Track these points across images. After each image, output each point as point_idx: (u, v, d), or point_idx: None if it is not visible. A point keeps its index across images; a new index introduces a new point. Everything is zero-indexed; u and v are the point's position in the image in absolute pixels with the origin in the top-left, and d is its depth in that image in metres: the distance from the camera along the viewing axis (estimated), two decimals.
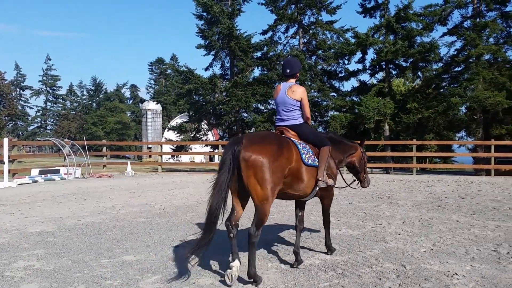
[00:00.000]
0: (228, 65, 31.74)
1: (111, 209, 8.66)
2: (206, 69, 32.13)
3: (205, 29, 29.88)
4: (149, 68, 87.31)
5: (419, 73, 31.28)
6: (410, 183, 14.54)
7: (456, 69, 29.93)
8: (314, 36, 31.52)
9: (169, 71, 76.18)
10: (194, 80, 29.38)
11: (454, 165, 40.68)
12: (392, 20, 29.34)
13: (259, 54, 31.87)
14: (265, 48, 31.27)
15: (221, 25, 28.70)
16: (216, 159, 49.66)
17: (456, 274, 4.28)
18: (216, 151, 30.33)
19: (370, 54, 54.03)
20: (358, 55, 31.39)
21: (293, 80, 4.94)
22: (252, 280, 4.00)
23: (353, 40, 30.28)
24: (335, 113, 31.21)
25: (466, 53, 28.16)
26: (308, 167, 4.49)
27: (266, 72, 30.46)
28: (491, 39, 28.22)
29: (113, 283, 4.02)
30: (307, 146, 4.64)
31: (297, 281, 4.09)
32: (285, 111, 4.82)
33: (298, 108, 4.84)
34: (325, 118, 32.58)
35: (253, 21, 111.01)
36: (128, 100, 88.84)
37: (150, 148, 46.59)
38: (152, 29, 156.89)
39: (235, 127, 31.59)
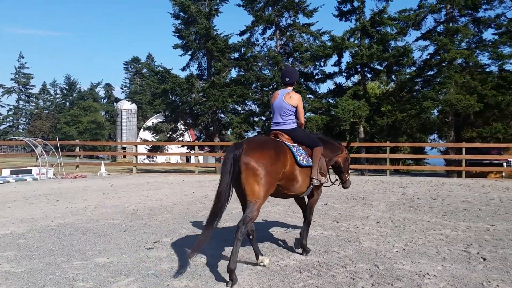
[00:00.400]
0: (205, 65, 31.63)
1: (84, 210, 8.51)
2: (183, 69, 31.94)
3: (182, 29, 29.70)
4: (125, 67, 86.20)
5: (393, 76, 31.84)
6: (384, 184, 14.78)
7: (429, 73, 30.62)
8: (291, 38, 31.72)
9: (145, 70, 75.34)
10: (170, 80, 29.17)
11: (426, 167, 41.58)
12: (367, 24, 29.82)
13: (236, 55, 31.88)
14: (242, 49, 31.31)
15: (198, 25, 28.58)
16: (193, 159, 49.40)
17: (428, 274, 4.38)
18: (193, 151, 30.18)
19: (346, 57, 54.82)
20: (334, 58, 31.79)
21: (290, 88, 5.23)
22: (229, 275, 4.05)
23: (329, 43, 30.62)
24: (312, 114, 31.48)
25: (439, 57, 28.84)
26: (302, 168, 4.80)
27: (243, 73, 30.51)
28: (463, 44, 28.98)
29: (86, 286, 3.96)
30: (301, 148, 4.94)
31: (272, 282, 4.11)
32: (282, 115, 5.13)
33: (293, 113, 5.14)
34: None
35: (231, 22, 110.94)
36: (103, 100, 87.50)
37: (124, 148, 45.95)
38: (127, 28, 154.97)
39: (212, 128, 31.49)
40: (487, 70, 29.73)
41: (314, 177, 4.91)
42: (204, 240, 4.23)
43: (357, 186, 14.12)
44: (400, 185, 14.66)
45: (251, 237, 4.65)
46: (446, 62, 28.30)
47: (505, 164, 35.73)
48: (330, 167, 5.86)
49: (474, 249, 5.39)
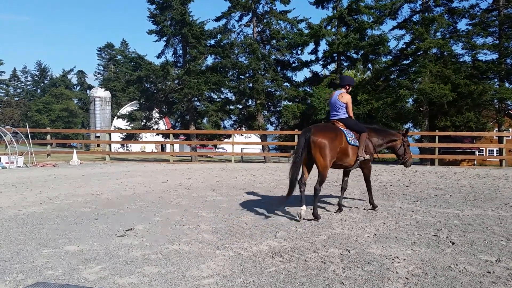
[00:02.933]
0: (180, 52, 31.22)
1: (55, 199, 8.32)
2: (158, 56, 31.49)
3: (157, 14, 29.18)
4: (98, 54, 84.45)
5: (369, 65, 32.08)
6: (358, 172, 14.92)
7: (405, 62, 30.98)
8: (268, 26, 31.53)
9: (119, 57, 73.85)
10: (145, 67, 28.71)
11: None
12: (344, 12, 29.87)
13: (212, 42, 31.54)
14: (218, 36, 31.00)
15: (174, 10, 28.15)
16: (168, 148, 48.97)
17: (397, 257, 4.44)
18: (168, 140, 29.87)
19: (323, 46, 54.88)
20: (311, 46, 31.78)
21: (343, 90, 7.12)
22: (314, 217, 6.36)
23: (306, 31, 30.56)
24: (288, 103, 31.53)
25: (414, 47, 29.18)
26: (351, 146, 6.72)
27: (219, 60, 30.21)
28: (438, 34, 29.39)
29: (55, 273, 3.87)
30: (351, 132, 6.87)
31: (244, 267, 4.10)
32: (336, 109, 7.08)
33: (344, 108, 7.00)
34: (278, 108, 32.82)
35: (207, 8, 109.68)
36: (75, 87, 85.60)
37: (98, 136, 45.14)
38: (101, 13, 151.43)
39: (188, 116, 31.20)
40: (461, 60, 30.28)
41: (359, 154, 6.82)
42: (287, 197, 6.47)
43: (332, 174, 14.24)
44: (374, 173, 14.86)
45: (302, 189, 6.47)
46: (421, 52, 28.67)
47: (477, 153, 36.62)
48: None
49: (444, 234, 5.50)
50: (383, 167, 17.59)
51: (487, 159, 37.39)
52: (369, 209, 7.35)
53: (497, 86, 28.19)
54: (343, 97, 7.01)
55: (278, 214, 6.84)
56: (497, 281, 3.71)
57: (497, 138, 32.98)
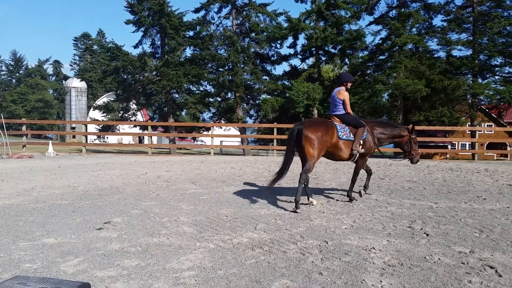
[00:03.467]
0: (158, 43, 30.88)
1: (31, 191, 8.18)
2: (136, 46, 31.05)
3: (134, 3, 28.76)
4: (74, 44, 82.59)
5: (346, 60, 32.41)
6: (335, 165, 15.14)
7: (381, 57, 31.43)
8: (247, 18, 31.47)
9: (95, 47, 72.70)
10: (122, 58, 28.31)
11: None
12: (322, 6, 30.03)
13: (191, 33, 31.33)
14: (197, 28, 30.80)
15: (152, 0, 27.76)
16: (146, 140, 48.42)
17: (374, 248, 4.55)
18: (146, 132, 29.57)
19: (301, 40, 54.93)
20: (290, 39, 31.90)
21: (342, 87, 7.44)
22: (295, 204, 6.58)
23: (285, 25, 30.65)
24: (267, 96, 31.60)
25: (390, 42, 29.61)
26: (344, 141, 7.07)
27: (198, 52, 30.01)
28: (414, 29, 29.89)
29: (32, 266, 3.83)
30: (346, 127, 7.17)
31: (225, 259, 4.14)
32: (334, 105, 7.44)
33: (341, 104, 7.36)
34: (257, 101, 32.85)
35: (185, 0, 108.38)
36: (51, 77, 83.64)
37: (74, 128, 44.32)
38: (77, 2, 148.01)
39: (166, 108, 30.94)
40: (436, 55, 30.90)
41: (354, 148, 7.12)
42: (275, 181, 6.93)
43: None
44: (351, 166, 15.05)
45: (305, 183, 6.96)
46: (397, 47, 29.13)
47: (449, 146, 37.43)
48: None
49: (418, 225, 5.64)
50: None
51: (459, 153, 38.33)
52: (346, 201, 7.48)
53: (471, 82, 28.93)
54: (340, 94, 7.36)
55: (258, 206, 6.89)
56: (471, 271, 3.84)
57: (469, 132, 33.82)
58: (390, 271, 3.87)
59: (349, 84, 7.55)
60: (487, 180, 10.64)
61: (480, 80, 29.24)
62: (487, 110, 39.15)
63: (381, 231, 5.36)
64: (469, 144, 41.16)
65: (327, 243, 4.73)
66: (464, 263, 4.07)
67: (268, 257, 4.23)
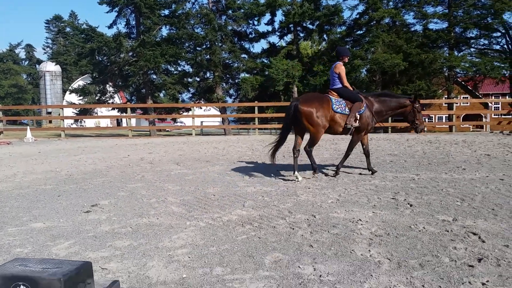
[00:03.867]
0: (133, 23, 30.25)
1: (13, 177, 8.04)
2: (110, 26, 30.37)
3: None
4: (46, 27, 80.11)
5: (324, 36, 32.37)
6: (320, 142, 15.27)
7: (359, 32, 31.47)
8: None
9: (68, 29, 70.68)
10: (97, 39, 27.69)
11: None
12: None
13: (166, 12, 30.74)
14: (173, 6, 30.22)
15: None
16: (124, 122, 47.76)
17: (360, 220, 4.66)
18: (125, 114, 29.17)
19: (279, 16, 54.53)
20: (268, 16, 31.66)
21: (339, 62, 7.51)
22: (313, 172, 7.49)
23: (262, 1, 30.29)
24: (246, 75, 31.43)
25: (367, 17, 29.64)
26: (339, 114, 7.21)
27: (175, 31, 29.52)
28: (391, 3, 29.96)
29: (23, 251, 3.80)
30: (342, 101, 7.33)
31: (216, 236, 4.19)
32: (332, 80, 7.61)
33: (338, 78, 7.50)
34: (236, 81, 32.65)
35: None
36: (24, 62, 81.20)
37: (50, 112, 43.36)
38: None
39: (144, 90, 30.51)
40: (412, 29, 31.15)
41: (347, 122, 7.22)
42: (274, 152, 7.60)
43: (292, 144, 14.48)
44: (333, 142, 15.25)
45: (295, 155, 7.35)
46: (375, 22, 29.19)
47: (427, 119, 38.02)
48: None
49: (401, 197, 5.79)
50: (339, 136, 18.01)
51: (436, 126, 39.05)
52: (332, 175, 7.59)
53: (447, 55, 29.26)
54: (337, 67, 7.48)
55: (244, 185, 6.95)
56: (455, 238, 3.98)
57: (446, 105, 34.41)
58: (378, 240, 3.98)
59: (346, 59, 7.65)
60: (465, 151, 10.91)
61: (456, 53, 29.65)
62: (463, 83, 39.83)
63: (366, 203, 5.48)
64: (446, 116, 41.90)
65: (315, 217, 4.82)
66: (448, 231, 4.21)
67: (259, 232, 4.30)
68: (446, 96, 32.15)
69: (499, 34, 30.09)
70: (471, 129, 37.63)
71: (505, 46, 30.21)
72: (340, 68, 7.47)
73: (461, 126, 36.96)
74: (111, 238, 4.18)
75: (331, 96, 7.35)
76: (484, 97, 38.44)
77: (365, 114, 7.42)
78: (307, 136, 7.52)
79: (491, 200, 5.42)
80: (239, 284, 3.09)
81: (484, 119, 41.84)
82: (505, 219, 4.56)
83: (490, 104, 40.69)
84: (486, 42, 30.61)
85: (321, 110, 7.02)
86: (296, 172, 7.22)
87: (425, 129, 8.02)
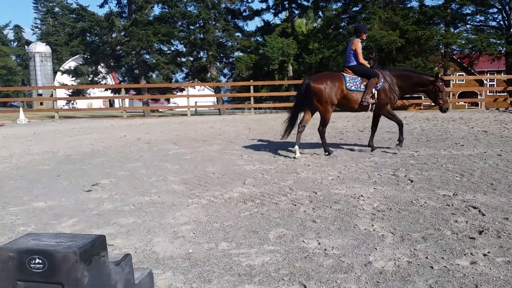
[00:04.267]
0: (125, 1, 29.74)
1: (10, 158, 8.00)
2: (101, 6, 29.84)
3: None
4: (34, 6, 78.29)
5: (320, 13, 32.01)
6: (314, 120, 15.11)
7: (355, 9, 31.11)
8: None
9: (57, 9, 69.34)
10: (88, 18, 27.25)
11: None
12: None
13: None
14: None
15: None
16: (117, 103, 47.38)
17: (362, 196, 4.70)
18: (117, 95, 28.92)
19: None
20: None
21: (358, 38, 7.51)
22: (327, 153, 7.38)
23: None
24: (240, 54, 31.15)
25: None
26: (353, 91, 7.21)
27: (167, 10, 29.08)
28: None
29: (27, 229, 3.81)
30: (358, 78, 7.28)
31: (219, 213, 4.21)
32: (348, 57, 7.55)
33: (353, 55, 7.44)
34: (230, 60, 32.38)
35: None
36: (12, 43, 79.78)
37: (41, 94, 42.88)
38: None
39: (137, 70, 30.21)
40: (409, 5, 30.84)
41: (363, 99, 7.18)
42: (288, 133, 7.65)
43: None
44: (332, 120, 15.21)
45: (299, 130, 7.50)
46: None
47: (423, 97, 37.91)
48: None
49: (402, 173, 5.82)
50: (336, 114, 18.01)
51: (433, 103, 38.93)
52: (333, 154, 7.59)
53: (443, 31, 29.08)
54: (353, 44, 7.44)
55: (243, 163, 6.96)
56: (456, 212, 4.02)
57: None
58: (380, 215, 4.02)
59: (364, 35, 7.67)
60: (463, 128, 10.96)
61: (452, 30, 29.48)
62: (458, 60, 39.73)
63: (367, 180, 5.51)
64: None
65: (316, 194, 4.84)
66: (449, 205, 4.25)
67: (261, 209, 4.32)
68: (442, 74, 32.10)
69: (495, 10, 29.89)
70: (466, 107, 37.73)
71: (501, 22, 30.07)
72: (357, 45, 7.40)
73: (457, 103, 37.02)
74: (115, 216, 4.19)
75: (345, 74, 7.31)
76: (479, 75, 38.41)
77: (384, 90, 7.33)
78: (317, 116, 7.61)
79: (490, 175, 5.47)
80: (246, 258, 3.12)
81: (479, 97, 41.94)
82: (503, 193, 4.61)
83: (485, 82, 40.73)
84: (482, 18, 30.43)
85: (332, 88, 7.06)
86: (296, 147, 7.30)
87: (449, 107, 7.89)
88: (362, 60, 7.43)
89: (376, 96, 7.31)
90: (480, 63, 34.56)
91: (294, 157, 7.14)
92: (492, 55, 28.33)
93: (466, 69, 40.26)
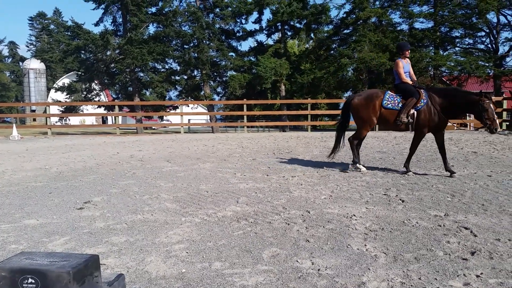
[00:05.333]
0: (120, 20, 29.98)
1: (2, 174, 7.93)
2: (96, 24, 30.04)
3: None
4: (30, 23, 78.83)
5: (312, 34, 32.49)
6: (306, 139, 15.37)
7: (345, 31, 31.64)
8: None
9: (52, 26, 69.71)
10: (83, 36, 27.39)
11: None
12: None
13: (153, 9, 30.53)
14: (160, 3, 30.03)
15: None
16: (110, 120, 47.21)
17: (354, 215, 4.72)
18: (111, 112, 28.88)
19: (267, 14, 54.76)
20: (255, 14, 31.70)
21: (401, 58, 7.66)
22: (353, 163, 7.77)
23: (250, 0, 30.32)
24: (234, 73, 31.39)
25: (354, 16, 29.82)
26: (388, 110, 7.33)
27: (162, 29, 29.35)
28: (377, 3, 30.20)
29: (19, 247, 3.76)
30: (397, 97, 7.40)
31: (212, 232, 4.20)
32: (395, 76, 7.69)
33: (396, 74, 7.61)
34: (224, 78, 32.59)
35: None
36: (7, 59, 79.78)
37: (34, 110, 42.71)
38: None
39: (131, 88, 30.28)
40: (399, 28, 31.38)
41: (397, 118, 7.19)
42: (336, 151, 8.31)
43: (281, 141, 14.56)
44: (321, 139, 15.34)
45: (359, 147, 8.01)
46: (361, 21, 29.39)
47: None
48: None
49: (393, 193, 5.87)
50: (328, 134, 18.15)
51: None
52: (322, 174, 7.63)
53: (433, 54, 29.58)
54: (395, 64, 7.64)
55: (237, 181, 6.96)
56: (448, 233, 4.05)
57: None
58: (373, 235, 4.04)
59: (407, 52, 7.66)
60: (452, 149, 11.07)
61: (441, 52, 30.01)
62: (447, 82, 40.29)
63: (359, 199, 5.54)
64: None
65: (309, 213, 4.86)
66: (440, 226, 4.28)
67: (255, 228, 4.32)
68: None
69: (483, 33, 30.54)
70: (455, 128, 38.10)
71: (489, 45, 30.68)
72: (397, 64, 7.51)
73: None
74: (107, 234, 4.17)
75: (388, 92, 7.51)
76: None
77: (424, 110, 7.10)
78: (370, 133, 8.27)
79: (481, 196, 5.53)
80: (239, 278, 3.11)
81: (468, 118, 42.35)
82: (495, 214, 4.66)
83: None
84: (471, 41, 31.04)
85: (368, 105, 7.38)
86: (359, 165, 7.76)
87: (498, 128, 6.83)
88: (404, 79, 7.45)
89: (415, 116, 7.16)
90: (469, 85, 35.04)
91: (360, 170, 7.60)
92: (481, 77, 28.81)
93: None
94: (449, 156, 9.59)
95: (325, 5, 29.75)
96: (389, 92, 7.49)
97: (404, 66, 7.56)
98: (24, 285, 1.76)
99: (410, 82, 7.44)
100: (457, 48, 31.22)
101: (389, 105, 7.29)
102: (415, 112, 7.15)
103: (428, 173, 7.40)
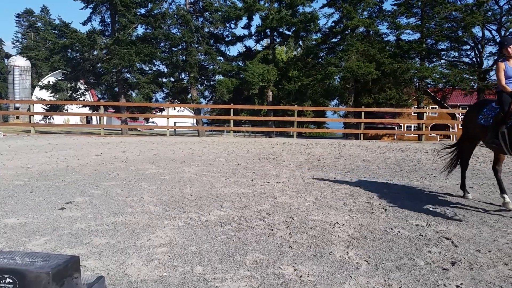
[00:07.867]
0: (108, 20, 29.73)
1: None
2: (84, 23, 29.68)
3: None
4: (16, 20, 77.71)
5: (300, 42, 32.68)
6: (292, 146, 15.42)
7: (333, 40, 31.92)
8: None
9: (39, 24, 68.87)
10: (70, 35, 27.09)
11: (327, 130, 44.02)
12: None
13: (143, 11, 30.35)
14: (149, 5, 29.86)
15: None
16: (95, 120, 46.65)
17: (337, 223, 4.74)
18: (96, 112, 28.58)
19: (256, 20, 54.92)
20: (245, 20, 31.74)
21: (500, 59, 5.85)
22: (504, 198, 5.60)
23: (240, 5, 30.37)
24: (222, 77, 31.38)
25: (342, 25, 30.11)
26: (481, 126, 5.74)
27: (150, 31, 29.21)
28: (365, 13, 30.53)
29: None
30: (496, 108, 5.57)
31: (195, 236, 4.17)
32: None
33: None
34: (211, 82, 32.55)
35: None
36: None
37: (17, 108, 42.05)
38: None
39: (117, 88, 30.01)
40: (386, 39, 31.80)
41: (487, 137, 5.56)
42: (452, 169, 7.02)
43: (267, 147, 14.58)
44: (307, 146, 15.41)
45: (498, 175, 5.88)
46: (349, 30, 29.69)
47: (396, 128, 38.72)
48: None
49: (376, 201, 5.91)
50: (313, 141, 18.25)
51: (405, 134, 40.05)
52: (307, 181, 7.65)
53: (418, 65, 30.05)
54: (496, 66, 5.78)
55: (221, 186, 6.94)
56: (430, 243, 4.09)
57: (415, 114, 35.31)
58: (355, 243, 4.06)
59: (510, 50, 5.52)
60: (435, 159, 11.22)
61: (427, 64, 30.48)
62: (432, 94, 40.93)
63: (342, 207, 5.57)
64: (414, 125, 43.02)
65: (293, 219, 4.86)
66: (422, 235, 4.32)
67: (238, 233, 4.31)
68: (416, 106, 32.99)
69: (468, 47, 31.14)
70: (438, 139, 38.70)
71: (474, 59, 31.28)
72: (498, 66, 5.63)
73: (429, 135, 37.94)
74: (88, 236, 4.11)
75: (493, 103, 5.75)
76: (452, 108, 39.61)
77: None
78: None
79: (462, 207, 5.60)
80: (221, 283, 3.09)
81: (451, 129, 43.09)
82: (475, 225, 4.73)
83: (457, 115, 42.00)
84: (456, 54, 31.62)
85: (468, 118, 6.21)
86: (505, 196, 5.65)
87: None
88: (502, 85, 5.51)
89: (507, 136, 5.26)
90: (453, 97, 35.68)
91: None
92: (465, 90, 29.34)
93: (439, 102, 41.53)
94: (432, 166, 9.74)
95: (314, 14, 29.95)
96: (492, 103, 5.78)
97: (508, 70, 5.52)
98: (1, 285, 1.72)
99: (508, 89, 5.45)
100: (442, 61, 31.80)
101: (482, 120, 5.73)
102: (505, 131, 5.29)
103: (411, 183, 7.48)
